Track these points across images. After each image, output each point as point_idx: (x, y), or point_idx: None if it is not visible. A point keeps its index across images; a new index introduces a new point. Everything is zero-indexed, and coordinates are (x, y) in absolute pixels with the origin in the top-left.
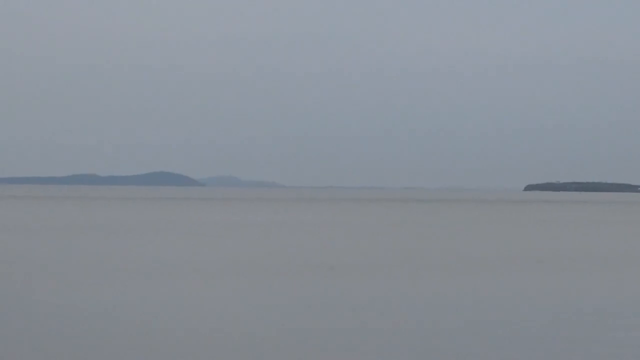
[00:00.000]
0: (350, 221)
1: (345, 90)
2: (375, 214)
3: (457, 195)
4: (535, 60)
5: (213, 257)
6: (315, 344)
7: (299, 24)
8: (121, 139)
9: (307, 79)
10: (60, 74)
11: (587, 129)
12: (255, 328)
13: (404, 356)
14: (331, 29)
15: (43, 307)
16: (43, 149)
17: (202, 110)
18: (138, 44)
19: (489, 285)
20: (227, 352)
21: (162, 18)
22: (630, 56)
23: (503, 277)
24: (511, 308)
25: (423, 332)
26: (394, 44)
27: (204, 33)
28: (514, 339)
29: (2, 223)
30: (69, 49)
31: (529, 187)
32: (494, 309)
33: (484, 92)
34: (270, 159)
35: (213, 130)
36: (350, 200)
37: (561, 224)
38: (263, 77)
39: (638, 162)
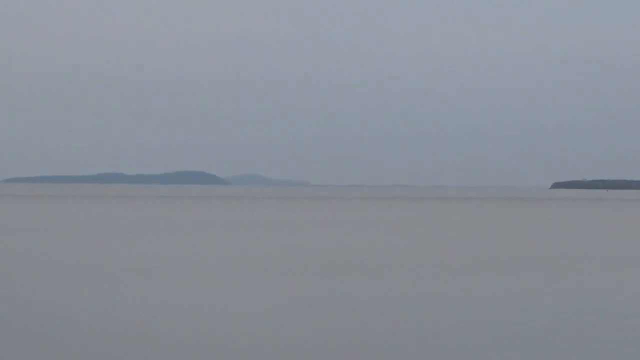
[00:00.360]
0: (367, 219)
1: (361, 90)
2: (396, 211)
3: (482, 193)
4: (535, 60)
5: (221, 256)
6: (316, 344)
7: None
8: (147, 139)
9: (324, 78)
10: (86, 75)
11: (615, 127)
12: (259, 328)
13: (407, 355)
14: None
15: (55, 305)
16: (71, 149)
17: (229, 109)
18: (158, 45)
19: (488, 285)
20: (229, 351)
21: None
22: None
23: (503, 277)
24: (510, 308)
25: (424, 332)
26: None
27: (219, 33)
28: (514, 339)
29: (29, 222)
30: (86, 50)
31: (556, 185)
32: (492, 309)
33: (512, 90)
34: (297, 158)
35: (239, 129)
36: (373, 198)
37: (577, 221)
38: (289, 78)
39: None
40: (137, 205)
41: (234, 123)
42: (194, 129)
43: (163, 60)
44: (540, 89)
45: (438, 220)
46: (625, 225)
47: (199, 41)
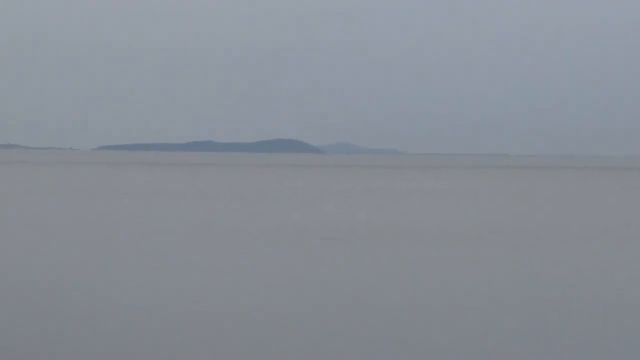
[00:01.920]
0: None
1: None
2: (490, 181)
3: (575, 162)
4: (622, 25)
5: (304, 225)
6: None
7: None
8: (239, 106)
9: (411, 52)
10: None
11: None
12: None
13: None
14: None
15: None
16: (164, 118)
17: (323, 77)
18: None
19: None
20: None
21: None
22: None
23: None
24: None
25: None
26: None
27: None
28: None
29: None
30: (177, 29)
31: None
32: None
33: (602, 56)
34: (389, 127)
35: (331, 97)
36: (463, 167)
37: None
38: (375, 47)
39: None
40: (222, 173)
41: (347, 92)
42: (287, 97)
43: (252, 31)
44: (630, 52)
45: (533, 191)
46: None
47: (290, 15)
